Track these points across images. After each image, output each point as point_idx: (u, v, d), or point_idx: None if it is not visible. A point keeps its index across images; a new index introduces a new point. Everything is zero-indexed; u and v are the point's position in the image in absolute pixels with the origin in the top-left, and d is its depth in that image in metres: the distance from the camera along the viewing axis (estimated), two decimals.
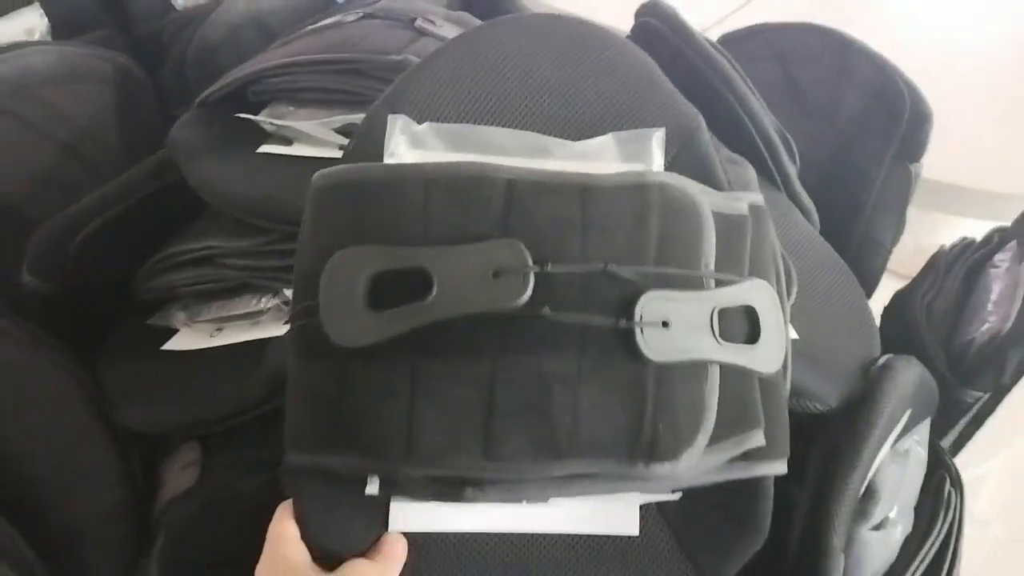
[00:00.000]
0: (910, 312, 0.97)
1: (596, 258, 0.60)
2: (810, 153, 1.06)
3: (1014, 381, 0.88)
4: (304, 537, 0.65)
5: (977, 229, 1.05)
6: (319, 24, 1.12)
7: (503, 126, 0.73)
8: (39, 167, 1.16)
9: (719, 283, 0.64)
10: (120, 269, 1.07)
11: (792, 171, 1.00)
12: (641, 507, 0.70)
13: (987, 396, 0.90)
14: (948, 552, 0.80)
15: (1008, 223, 1.01)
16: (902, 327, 0.97)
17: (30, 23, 1.34)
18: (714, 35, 1.16)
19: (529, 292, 0.58)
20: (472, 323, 0.59)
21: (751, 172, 0.81)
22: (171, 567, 0.87)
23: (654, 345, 0.59)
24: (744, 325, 0.65)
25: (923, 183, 1.10)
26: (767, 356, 0.65)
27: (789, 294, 0.74)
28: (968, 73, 1.57)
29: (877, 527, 0.77)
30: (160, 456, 0.98)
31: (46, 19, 1.36)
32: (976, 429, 0.94)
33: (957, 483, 0.86)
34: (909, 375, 0.81)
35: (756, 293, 0.66)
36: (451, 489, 0.64)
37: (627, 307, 0.59)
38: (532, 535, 0.70)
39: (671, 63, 0.79)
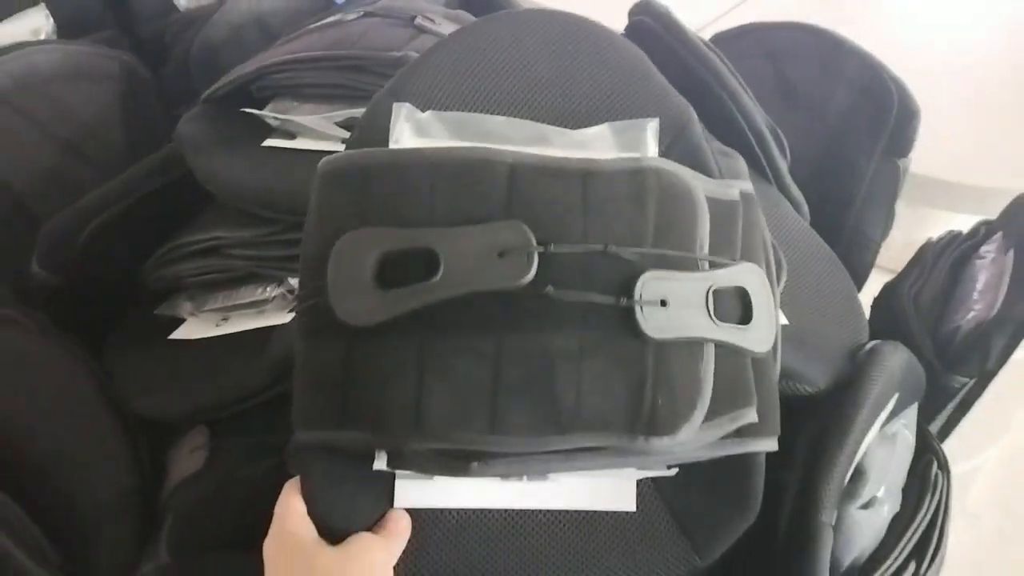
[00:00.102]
0: (898, 301, 0.99)
1: (597, 239, 0.62)
2: (801, 148, 1.08)
3: (998, 366, 0.89)
4: (310, 513, 0.66)
5: (964, 224, 1.07)
6: (321, 23, 1.14)
7: (502, 116, 0.75)
8: (45, 162, 1.18)
9: (713, 265, 0.66)
10: (127, 261, 1.09)
11: (783, 165, 1.02)
12: (637, 484, 0.72)
13: (973, 382, 0.92)
14: (935, 531, 0.81)
15: (994, 217, 1.03)
16: (890, 316, 0.99)
17: (36, 24, 1.35)
18: (707, 35, 1.18)
19: (533, 271, 0.60)
20: (478, 301, 0.61)
21: (741, 163, 0.84)
22: (180, 548, 0.88)
23: (653, 323, 0.61)
24: (737, 307, 0.67)
25: (911, 178, 1.11)
26: (759, 336, 0.68)
27: (779, 280, 0.76)
28: (955, 71, 1.59)
29: (865, 506, 0.79)
30: (168, 441, 1.00)
31: (51, 20, 1.37)
32: (963, 415, 0.95)
33: (944, 466, 0.87)
34: (896, 359, 0.83)
35: (748, 276, 0.68)
36: (457, 463, 0.65)
37: (627, 286, 0.61)
38: (532, 511, 0.72)
39: (664, 61, 0.80)
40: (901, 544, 0.79)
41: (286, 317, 0.95)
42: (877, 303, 1.05)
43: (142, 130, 1.29)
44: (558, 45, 0.78)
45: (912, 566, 0.78)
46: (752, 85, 1.04)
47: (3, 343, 0.97)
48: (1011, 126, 1.45)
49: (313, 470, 0.68)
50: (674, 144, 0.75)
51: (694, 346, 0.63)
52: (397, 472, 0.70)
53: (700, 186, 0.67)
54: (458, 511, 0.71)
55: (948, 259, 1.00)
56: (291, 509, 0.66)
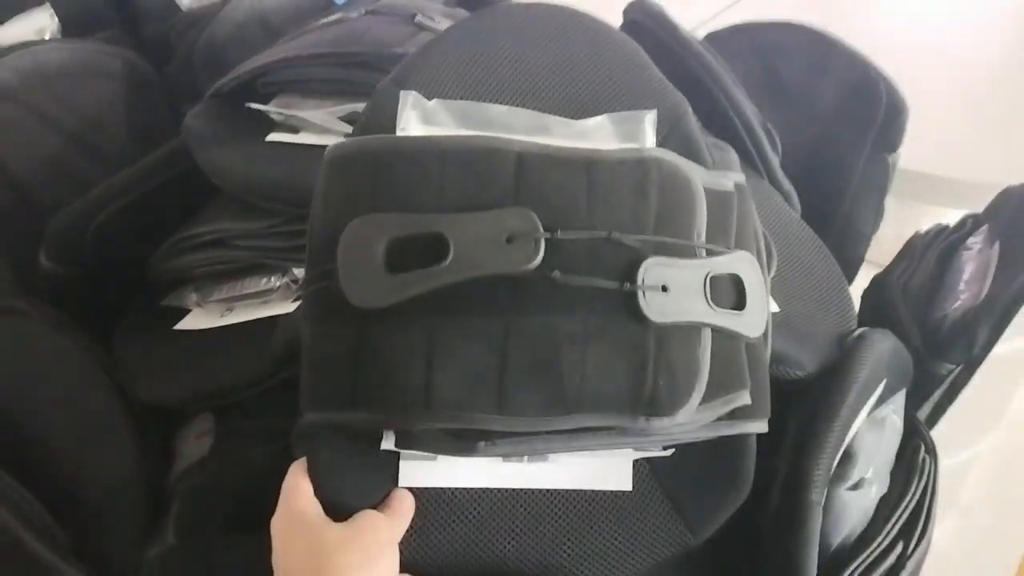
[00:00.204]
0: (887, 291, 1.00)
1: (601, 226, 0.63)
2: (791, 144, 1.10)
3: (984, 353, 0.91)
4: (317, 493, 0.68)
5: (953, 219, 1.08)
6: (324, 21, 1.16)
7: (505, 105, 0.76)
8: (51, 157, 1.20)
9: (710, 253, 0.68)
10: (134, 253, 1.10)
11: (774, 160, 1.04)
12: (633, 465, 0.74)
13: (959, 369, 0.93)
14: (922, 513, 0.82)
15: (981, 210, 1.04)
16: (879, 306, 1.01)
17: (40, 23, 1.36)
18: (700, 35, 1.20)
19: (540, 257, 0.62)
20: (486, 285, 0.62)
21: (733, 156, 0.86)
22: (186, 531, 0.89)
23: (655, 307, 0.63)
24: (732, 293, 0.69)
25: (900, 173, 1.13)
26: (752, 321, 0.70)
27: (770, 268, 0.78)
28: (942, 70, 1.62)
29: (854, 487, 0.80)
30: (175, 428, 1.02)
31: (56, 20, 1.38)
32: (950, 401, 0.97)
33: (932, 451, 0.89)
34: (883, 345, 0.84)
35: (742, 264, 0.70)
36: (465, 442, 0.67)
37: (630, 272, 0.63)
38: (531, 491, 0.73)
39: (659, 59, 0.82)
40: (889, 525, 0.80)
41: (290, 306, 0.97)
42: (867, 294, 1.06)
43: (146, 125, 1.31)
44: (557, 37, 0.80)
45: (900, 546, 0.79)
46: (744, 82, 1.06)
47: (12, 332, 0.98)
48: (998, 122, 1.48)
49: (319, 451, 0.69)
50: (670, 135, 0.77)
51: (692, 330, 0.65)
52: (401, 453, 0.71)
53: (698, 177, 0.69)
54: (460, 491, 0.73)
55: (936, 250, 1.01)
56: (298, 487, 0.67)
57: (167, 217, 1.10)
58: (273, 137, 1.05)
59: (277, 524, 0.67)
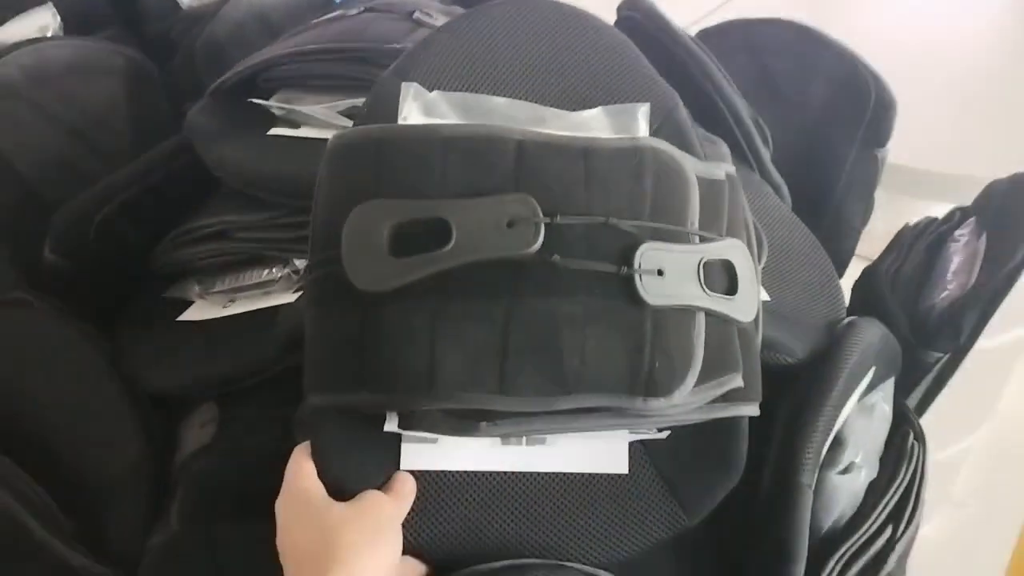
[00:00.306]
0: (876, 282, 1.02)
1: (599, 212, 0.65)
2: (782, 139, 1.12)
3: (971, 342, 0.92)
4: (320, 475, 0.69)
5: (942, 213, 1.09)
6: (324, 18, 1.18)
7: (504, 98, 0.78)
8: (55, 152, 1.21)
9: (702, 240, 0.70)
10: (137, 246, 1.12)
11: (765, 154, 1.06)
12: (629, 449, 0.76)
13: (947, 357, 0.95)
14: (911, 497, 0.84)
15: (969, 203, 1.06)
16: (869, 296, 1.02)
17: (43, 22, 1.37)
18: (692, 32, 1.21)
19: (540, 241, 0.63)
20: (488, 269, 0.64)
21: (724, 148, 0.88)
22: (190, 518, 0.91)
23: (651, 291, 0.64)
24: (724, 279, 0.71)
25: (890, 167, 1.15)
26: (744, 307, 0.71)
27: (760, 257, 0.80)
28: (931, 66, 1.64)
29: (844, 471, 0.82)
30: (179, 417, 1.03)
31: (58, 18, 1.39)
32: (939, 389, 0.98)
33: (920, 437, 0.90)
34: (872, 333, 0.86)
35: (733, 251, 0.72)
36: (467, 423, 0.68)
37: (627, 256, 0.64)
38: (530, 474, 0.75)
39: (652, 56, 0.83)
40: (879, 509, 0.81)
41: (292, 297, 0.98)
42: (857, 285, 1.08)
43: (149, 121, 1.32)
44: (552, 32, 0.81)
45: (889, 529, 0.80)
46: (736, 78, 1.08)
47: (17, 324, 1.00)
48: (985, 118, 1.50)
49: (323, 434, 0.71)
50: (662, 127, 0.78)
51: (687, 314, 0.67)
52: (404, 436, 0.72)
53: (691, 165, 0.70)
54: (461, 474, 0.74)
55: (924, 242, 1.02)
56: (301, 469, 0.69)
57: (169, 211, 1.12)
58: (274, 132, 1.06)
59: (281, 505, 0.68)
